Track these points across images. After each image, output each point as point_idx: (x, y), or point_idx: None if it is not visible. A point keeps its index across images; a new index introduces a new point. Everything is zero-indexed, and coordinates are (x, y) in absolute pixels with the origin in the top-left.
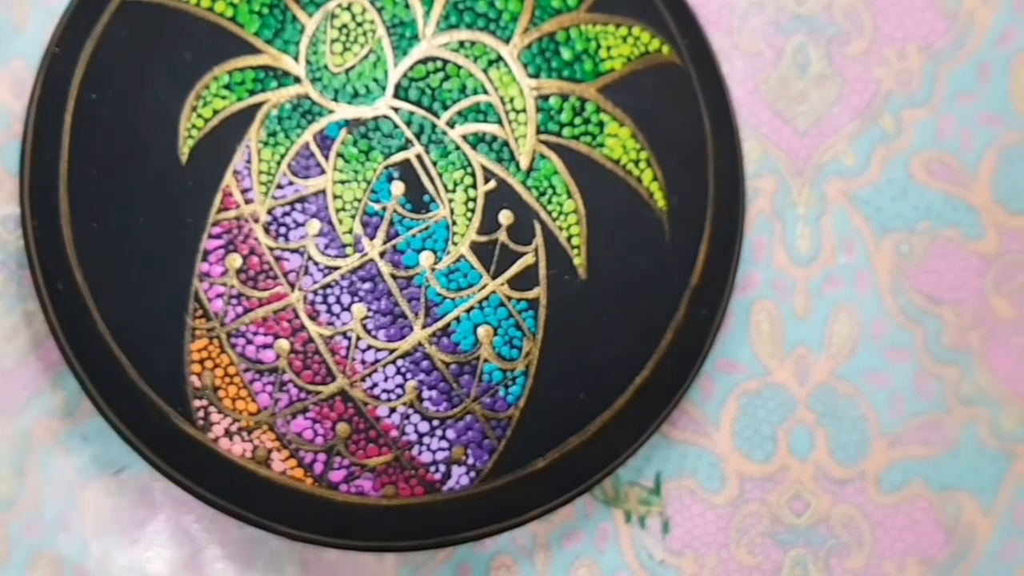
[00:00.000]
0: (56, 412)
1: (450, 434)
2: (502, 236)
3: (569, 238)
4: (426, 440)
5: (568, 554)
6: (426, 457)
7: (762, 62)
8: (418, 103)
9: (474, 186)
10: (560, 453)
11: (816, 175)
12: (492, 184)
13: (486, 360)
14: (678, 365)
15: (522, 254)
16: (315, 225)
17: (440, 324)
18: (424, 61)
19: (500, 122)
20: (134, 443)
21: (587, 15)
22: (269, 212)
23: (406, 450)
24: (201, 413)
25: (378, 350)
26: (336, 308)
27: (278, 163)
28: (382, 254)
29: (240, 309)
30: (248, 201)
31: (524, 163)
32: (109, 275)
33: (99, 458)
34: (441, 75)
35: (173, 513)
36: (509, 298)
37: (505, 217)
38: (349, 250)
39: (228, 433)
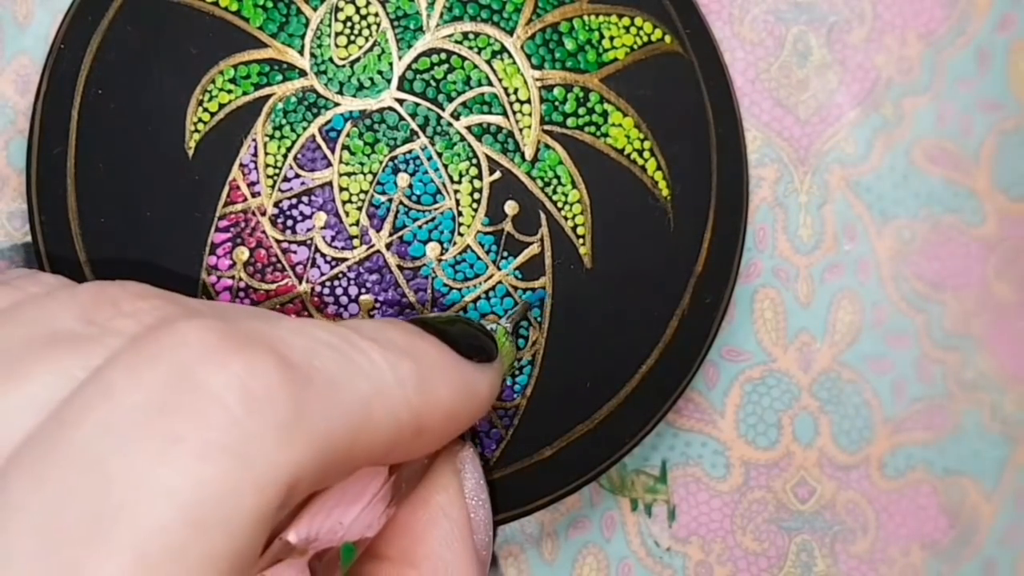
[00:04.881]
0: None
1: None
2: (508, 226)
3: (574, 227)
4: None
5: (575, 542)
6: None
7: (763, 51)
8: (423, 95)
9: (479, 177)
10: (567, 442)
11: (818, 163)
12: (497, 175)
13: None
14: (683, 353)
15: (528, 244)
16: (322, 217)
17: None
18: (428, 53)
19: (504, 113)
20: None
21: (589, 5)
22: (276, 205)
23: None
24: None
25: None
26: (344, 300)
27: (284, 156)
28: (388, 245)
29: (248, 302)
30: (255, 194)
31: (528, 153)
32: (117, 270)
33: None
34: (445, 67)
35: None
36: (515, 288)
37: (511, 207)
38: (356, 242)
39: None
